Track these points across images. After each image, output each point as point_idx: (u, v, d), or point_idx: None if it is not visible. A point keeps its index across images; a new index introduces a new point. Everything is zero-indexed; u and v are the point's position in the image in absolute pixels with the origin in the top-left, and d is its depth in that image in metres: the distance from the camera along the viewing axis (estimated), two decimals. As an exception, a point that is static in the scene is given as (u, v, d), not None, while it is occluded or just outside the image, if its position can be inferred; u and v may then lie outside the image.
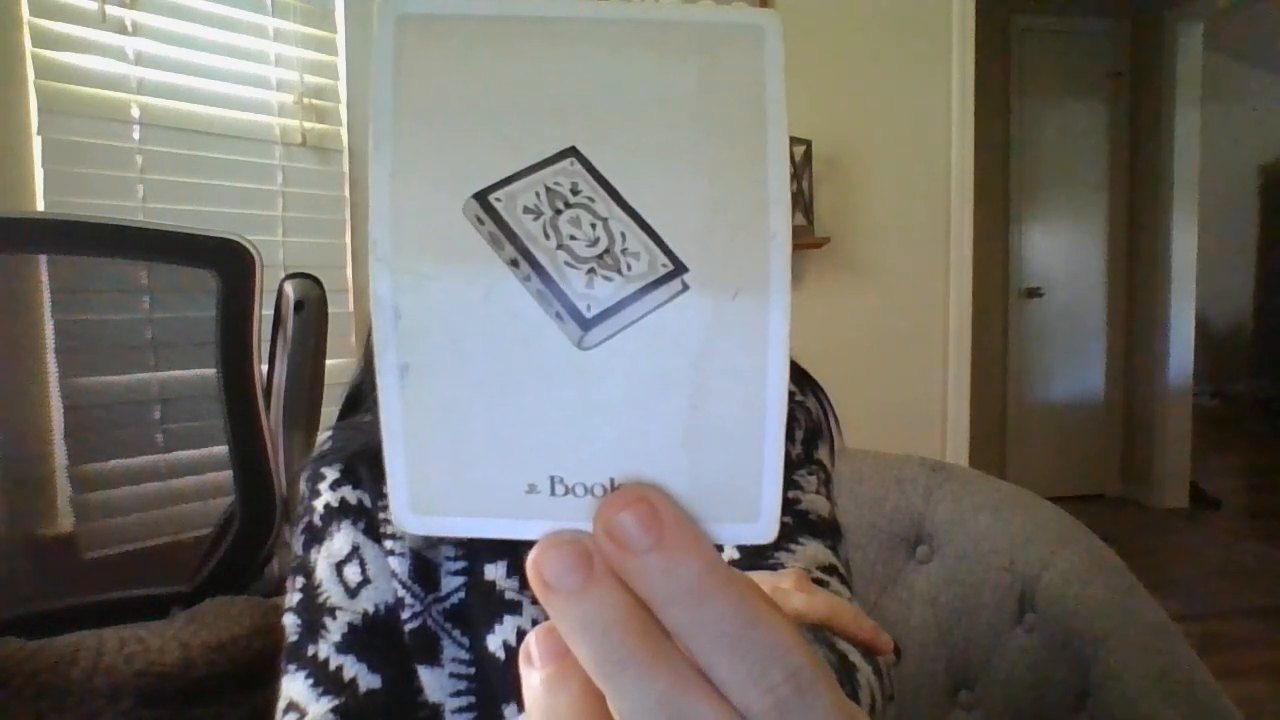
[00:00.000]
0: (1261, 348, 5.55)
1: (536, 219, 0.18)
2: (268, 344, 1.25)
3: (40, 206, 1.32)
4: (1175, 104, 3.68)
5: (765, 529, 0.18)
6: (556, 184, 0.18)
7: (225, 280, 1.11)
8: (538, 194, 0.18)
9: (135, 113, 1.46)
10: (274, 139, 1.67)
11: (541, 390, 0.18)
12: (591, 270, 0.17)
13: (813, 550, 0.53)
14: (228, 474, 1.15)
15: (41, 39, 1.33)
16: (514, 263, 0.17)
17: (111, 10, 1.42)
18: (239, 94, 1.62)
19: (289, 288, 1.25)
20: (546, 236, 0.18)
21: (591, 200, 0.18)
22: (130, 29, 1.46)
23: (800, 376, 0.66)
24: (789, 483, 0.58)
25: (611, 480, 0.18)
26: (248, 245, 1.13)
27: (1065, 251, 4.00)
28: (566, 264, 0.17)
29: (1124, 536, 3.33)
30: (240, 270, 1.12)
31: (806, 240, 2.27)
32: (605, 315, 0.17)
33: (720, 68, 0.18)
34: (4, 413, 1.15)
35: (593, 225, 0.18)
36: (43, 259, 1.10)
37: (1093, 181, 3.98)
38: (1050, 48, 3.90)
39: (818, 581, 0.50)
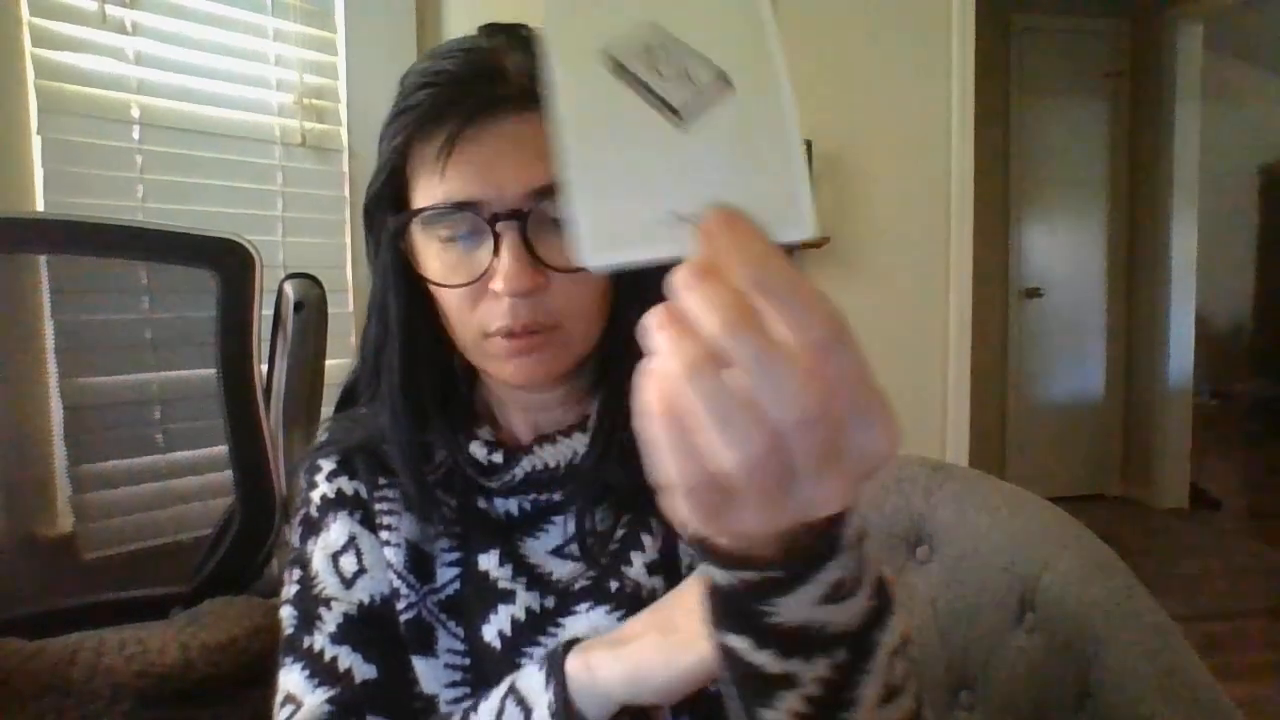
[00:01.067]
0: (1261, 348, 5.55)
1: (642, 59, 0.29)
2: (268, 344, 1.25)
3: (40, 206, 1.32)
4: (1175, 104, 3.68)
5: (808, 229, 0.28)
6: (649, 40, 0.30)
7: (225, 280, 1.11)
8: (639, 46, 0.29)
9: (135, 113, 1.46)
10: (274, 139, 1.67)
11: (660, 157, 0.29)
12: (678, 83, 0.29)
13: None
14: (228, 474, 1.15)
15: (41, 39, 1.33)
16: (636, 87, 0.29)
17: (111, 10, 1.42)
18: (239, 94, 1.62)
19: (289, 288, 1.25)
20: (655, 72, 0.29)
21: (671, 50, 0.29)
22: (130, 29, 1.46)
23: None
24: None
25: (708, 207, 0.28)
26: (247, 245, 1.13)
27: (1065, 251, 4.00)
28: (665, 82, 0.29)
29: (1124, 536, 3.33)
30: (240, 270, 1.12)
31: (806, 240, 2.27)
32: (689, 107, 0.29)
33: None
34: (4, 413, 1.14)
35: (676, 61, 0.29)
36: (43, 259, 1.10)
37: (1093, 181, 3.98)
38: (1050, 48, 3.90)
39: None
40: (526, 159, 0.51)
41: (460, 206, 0.52)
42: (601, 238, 0.29)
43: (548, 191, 0.51)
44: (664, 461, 0.27)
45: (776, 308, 0.25)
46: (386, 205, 0.56)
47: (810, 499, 0.28)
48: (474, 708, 0.49)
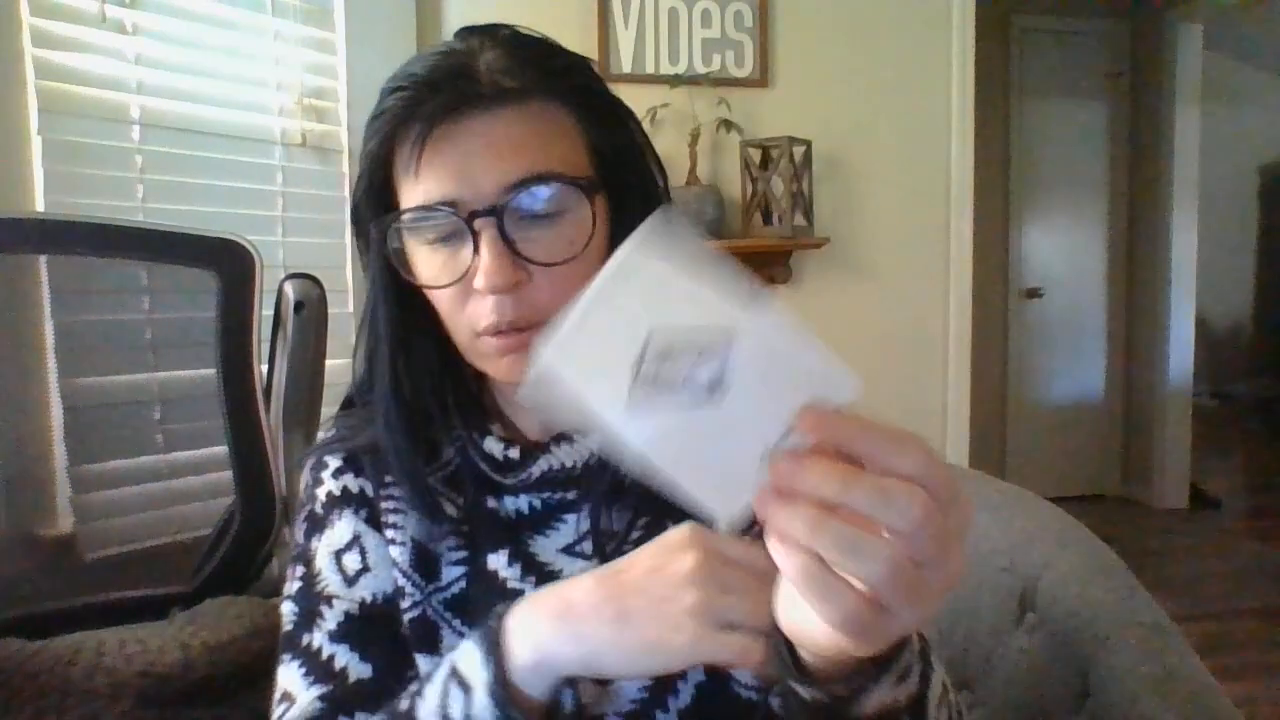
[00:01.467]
0: (1261, 348, 5.55)
1: (663, 364, 0.33)
2: (268, 344, 1.25)
3: (40, 206, 1.32)
4: (1175, 104, 3.68)
5: (853, 385, 0.33)
6: (658, 347, 0.33)
7: (225, 280, 1.11)
8: (655, 356, 0.33)
9: (135, 113, 1.46)
10: (274, 139, 1.67)
11: (720, 425, 0.33)
12: (698, 366, 0.33)
13: None
14: (228, 474, 1.15)
15: (41, 39, 1.33)
16: (667, 386, 0.33)
17: (111, 11, 1.41)
18: (239, 94, 1.62)
19: (289, 288, 1.25)
20: (672, 369, 0.33)
21: (677, 340, 0.33)
22: (130, 29, 1.46)
23: None
24: None
25: (780, 432, 0.33)
26: (248, 245, 1.13)
27: (1065, 251, 4.00)
28: (687, 372, 0.33)
29: (1124, 536, 3.33)
30: (240, 270, 1.12)
31: (806, 240, 2.27)
32: (717, 376, 0.33)
33: (655, 260, 0.35)
34: (4, 412, 1.14)
35: (685, 350, 0.33)
36: (43, 259, 1.10)
37: (1093, 181, 3.98)
38: (1050, 48, 3.90)
39: None
40: (499, 155, 0.51)
41: (435, 207, 0.52)
42: (722, 500, 0.33)
43: (523, 184, 0.51)
44: (818, 606, 0.32)
45: (883, 448, 0.32)
46: (372, 213, 0.56)
47: (936, 584, 0.32)
48: (420, 691, 0.49)
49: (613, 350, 0.33)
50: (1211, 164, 4.08)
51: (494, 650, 0.45)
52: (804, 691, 0.39)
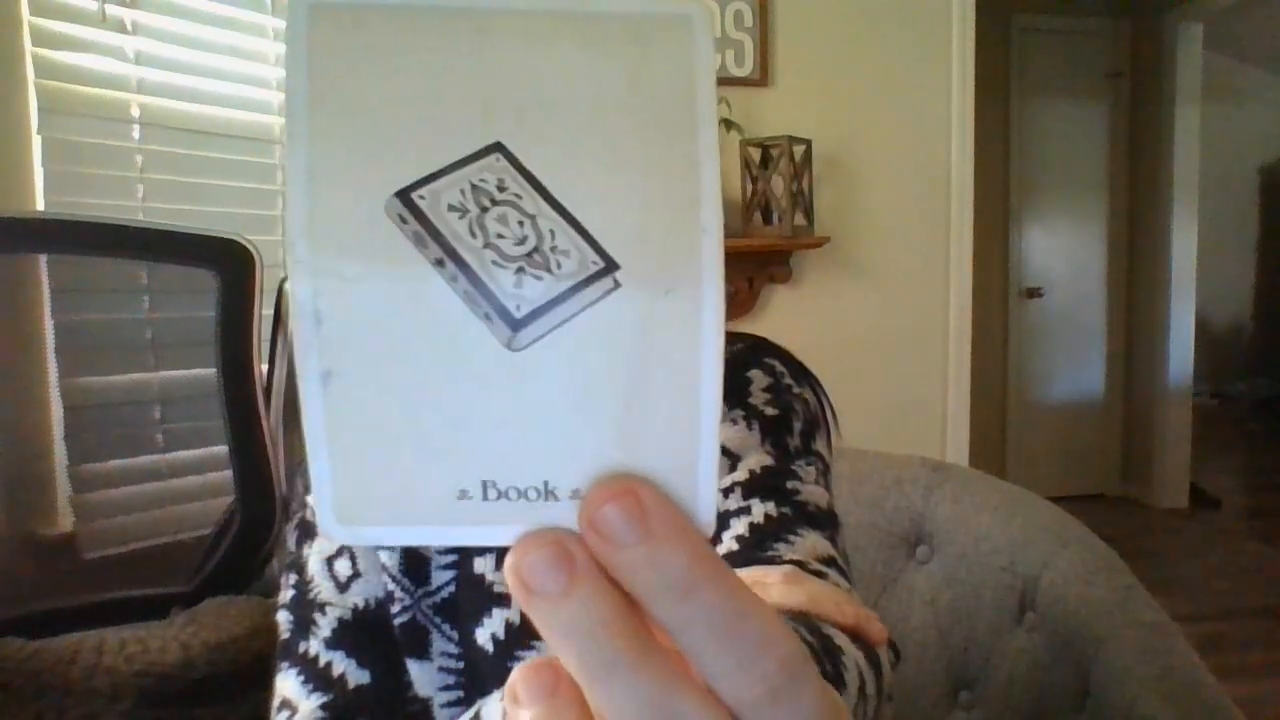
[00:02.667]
0: (1261, 348, 5.55)
1: (462, 217, 0.17)
2: (268, 343, 1.25)
3: (40, 206, 1.32)
4: (1175, 104, 3.68)
5: (703, 526, 0.18)
6: (482, 180, 0.17)
7: (225, 280, 1.11)
8: (463, 191, 0.17)
9: (135, 112, 1.46)
10: (274, 139, 1.67)
11: (471, 394, 0.17)
12: (520, 269, 0.17)
13: (811, 541, 0.53)
14: (228, 474, 1.15)
15: (41, 38, 1.33)
16: (439, 262, 0.17)
17: (111, 10, 1.41)
18: (239, 93, 1.62)
19: (289, 287, 1.25)
20: (473, 235, 0.17)
21: (519, 197, 0.17)
22: (130, 28, 1.46)
23: (797, 369, 0.66)
24: (788, 473, 0.57)
25: (545, 483, 0.18)
26: (248, 245, 1.13)
27: (1065, 251, 4.00)
28: (494, 263, 0.17)
29: (1124, 536, 3.33)
30: (240, 270, 1.12)
31: (806, 240, 2.27)
32: (535, 315, 0.17)
33: (649, 61, 0.18)
34: (4, 412, 1.14)
35: (520, 223, 0.17)
36: (43, 259, 1.10)
37: (1093, 181, 3.98)
38: (1050, 48, 3.90)
39: (816, 573, 0.49)
40: None
41: None
42: (357, 503, 0.18)
43: None
44: None
45: (711, 645, 0.17)
46: None
47: None
48: None
49: (416, 107, 0.17)
50: (1211, 164, 4.08)
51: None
52: None
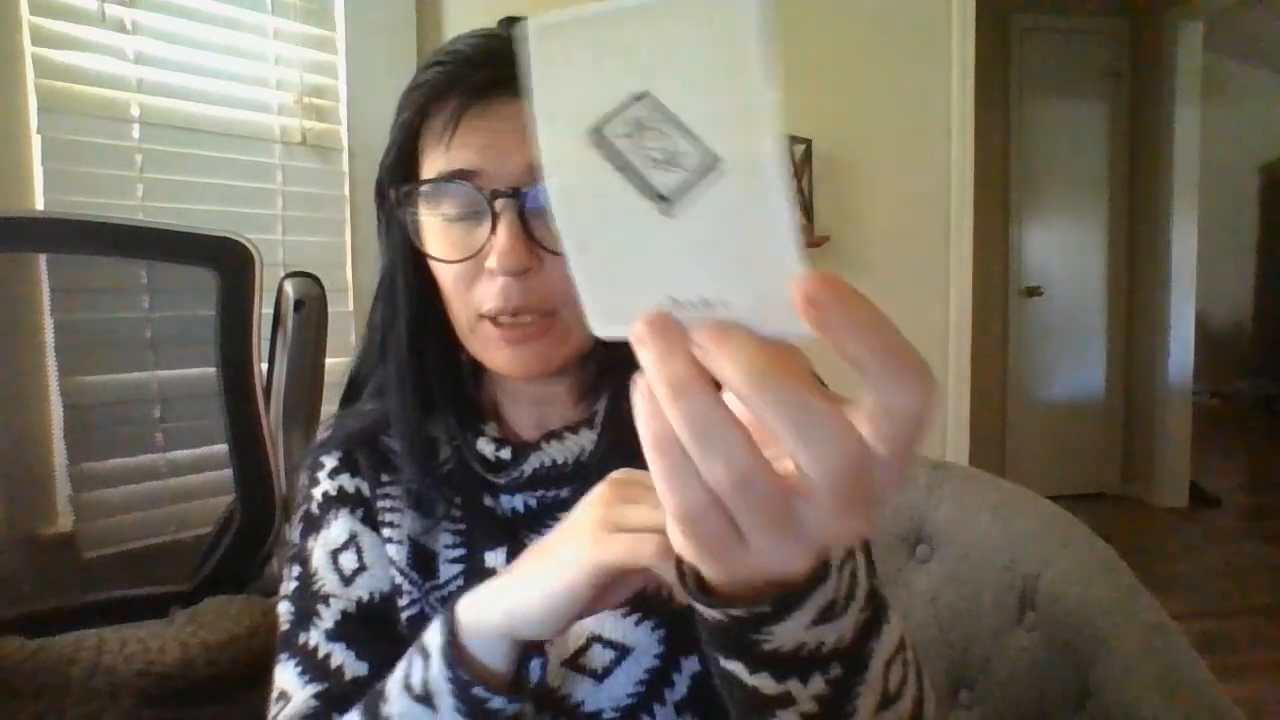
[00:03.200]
0: (1261, 348, 5.56)
1: (631, 139, 0.27)
2: (268, 343, 1.25)
3: (40, 206, 1.32)
4: (1175, 104, 3.68)
5: (807, 328, 0.26)
6: (639, 117, 0.27)
7: (225, 279, 1.11)
8: (629, 123, 0.27)
9: (135, 111, 1.46)
10: (274, 138, 1.67)
11: (649, 243, 0.28)
12: (665, 167, 0.27)
13: None
14: (228, 473, 1.15)
15: (41, 38, 1.33)
16: (621, 168, 0.27)
17: (111, 9, 1.41)
18: (239, 93, 1.62)
19: (289, 286, 1.25)
20: (637, 149, 0.27)
21: (660, 125, 0.26)
22: (130, 28, 1.46)
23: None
24: None
25: (707, 299, 0.28)
26: (247, 244, 1.13)
27: (1065, 251, 4.00)
28: (652, 164, 0.27)
29: (1124, 536, 3.33)
30: (240, 269, 1.12)
31: (806, 240, 2.27)
32: (677, 193, 0.27)
33: (725, 23, 0.25)
34: (4, 412, 1.14)
35: (662, 139, 0.26)
36: (43, 259, 1.10)
37: (1093, 181, 3.98)
38: (1050, 47, 3.90)
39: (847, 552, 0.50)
40: (529, 137, 0.51)
41: (460, 175, 0.53)
42: (607, 312, 0.29)
43: None
44: (660, 485, 0.28)
45: (878, 366, 0.26)
46: (397, 181, 0.57)
47: (817, 531, 0.28)
48: (393, 669, 0.49)
49: (597, 76, 0.27)
50: (1211, 164, 4.08)
51: (449, 618, 0.45)
52: (702, 609, 0.33)
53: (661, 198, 0.27)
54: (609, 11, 0.27)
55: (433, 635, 0.45)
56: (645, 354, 0.27)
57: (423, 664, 0.45)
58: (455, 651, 0.43)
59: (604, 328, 0.30)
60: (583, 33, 0.27)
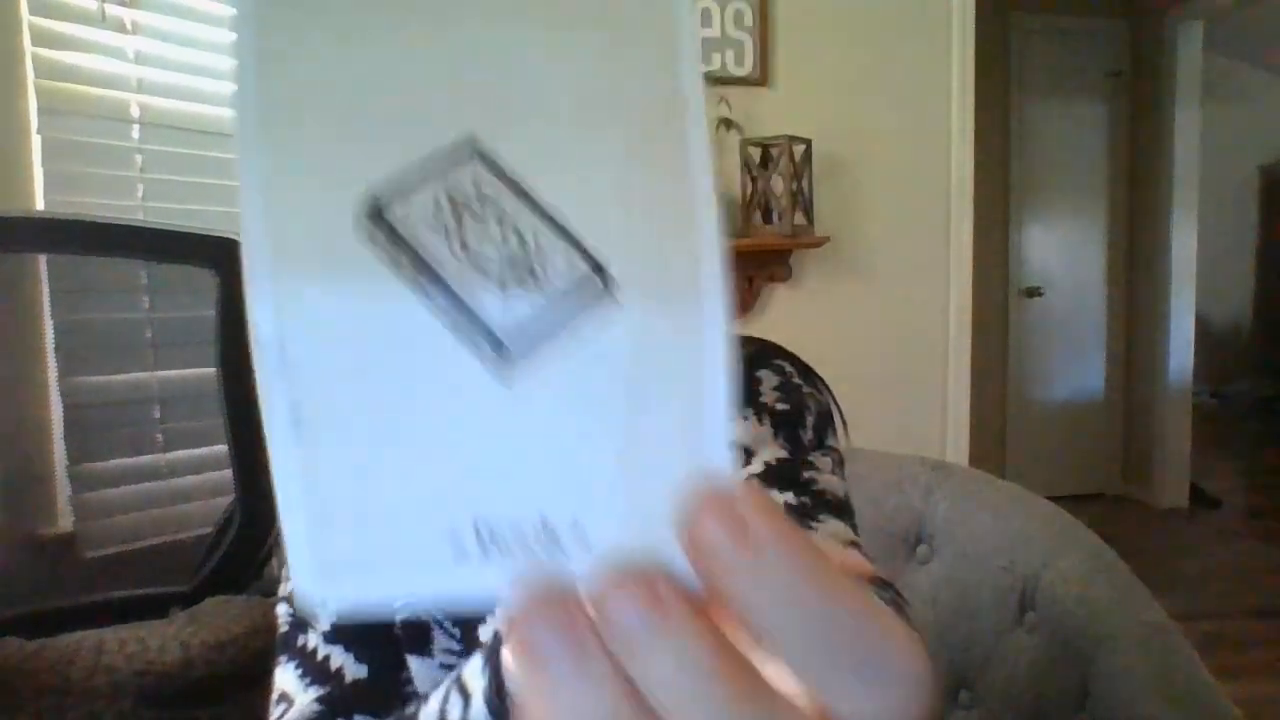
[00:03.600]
0: (1261, 348, 5.55)
1: (439, 231, 0.15)
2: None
3: (40, 206, 1.32)
4: (1175, 104, 3.68)
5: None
6: (459, 186, 0.15)
7: (225, 279, 1.11)
8: (438, 201, 0.15)
9: (135, 112, 1.46)
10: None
11: (457, 424, 0.15)
12: (505, 285, 0.15)
13: (834, 527, 0.54)
14: (228, 473, 1.15)
15: (41, 38, 1.33)
16: (416, 284, 0.15)
17: (111, 9, 1.41)
18: (239, 93, 1.62)
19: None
20: (452, 251, 0.15)
21: (499, 203, 0.15)
22: (130, 28, 1.46)
23: (805, 370, 0.66)
24: (804, 464, 0.58)
25: (543, 516, 0.15)
26: (248, 245, 1.13)
27: (1065, 251, 4.00)
28: (477, 280, 0.15)
29: (1124, 536, 3.33)
30: (240, 269, 1.12)
31: (806, 240, 2.27)
32: (524, 335, 0.15)
33: (628, 43, 0.16)
34: (4, 412, 1.14)
35: (503, 233, 0.15)
36: (43, 259, 1.10)
37: (1093, 181, 3.98)
38: (1050, 48, 3.90)
39: None
40: None
41: None
42: (338, 558, 0.16)
43: None
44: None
45: (837, 664, 0.15)
46: None
47: None
48: (425, 697, 0.49)
49: (379, 98, 0.16)
50: (1211, 164, 4.08)
51: (492, 659, 0.45)
52: None
53: (492, 337, 0.15)
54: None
55: (474, 675, 0.44)
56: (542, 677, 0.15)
57: (462, 705, 0.44)
58: (500, 700, 0.43)
59: (329, 586, 0.16)
60: (354, 11, 0.16)
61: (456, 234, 0.16)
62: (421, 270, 0.15)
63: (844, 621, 0.15)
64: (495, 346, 0.15)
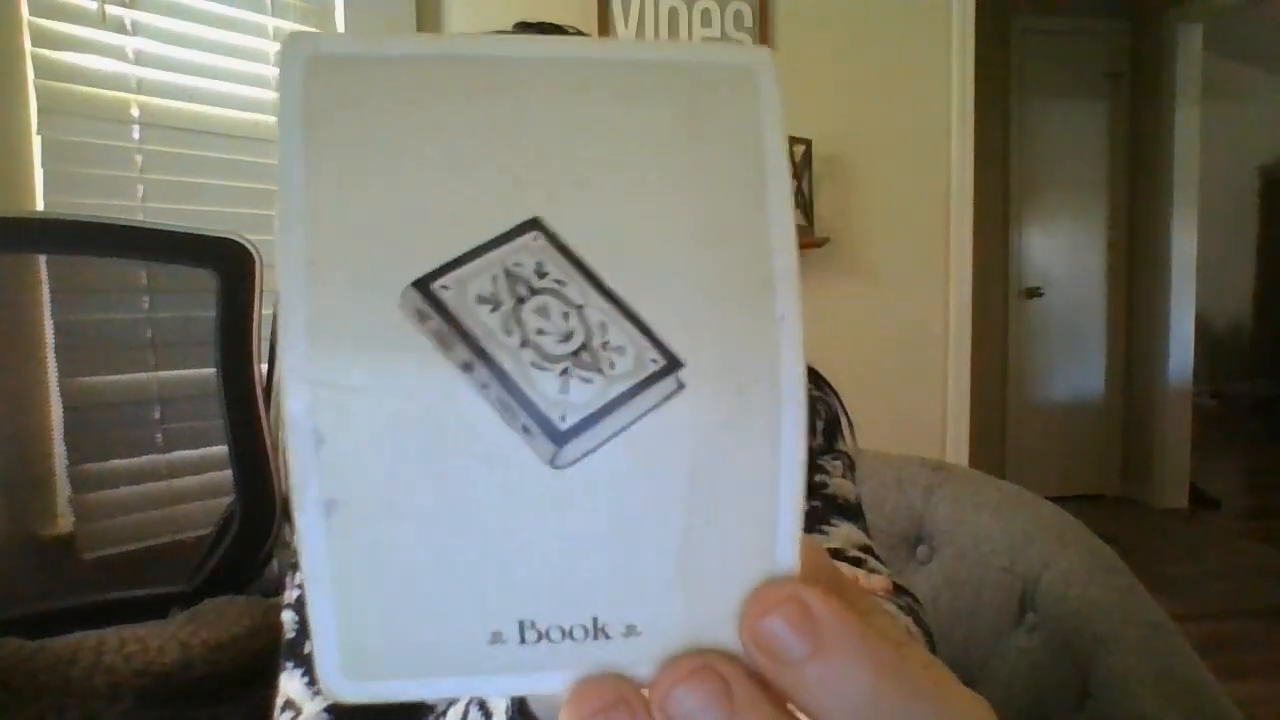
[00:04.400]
0: (1261, 348, 5.55)
1: (494, 310, 0.14)
2: (268, 344, 1.25)
3: (40, 206, 1.32)
4: (1175, 104, 3.68)
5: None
6: (517, 265, 0.14)
7: (225, 280, 1.11)
8: (494, 278, 0.14)
9: (135, 112, 1.46)
10: (274, 139, 1.66)
11: (506, 521, 0.14)
12: (565, 371, 0.14)
13: (846, 531, 0.54)
14: (228, 474, 1.15)
15: (41, 38, 1.33)
16: (467, 366, 0.14)
17: (111, 10, 1.41)
18: (239, 93, 1.62)
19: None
20: (508, 332, 0.14)
21: (561, 284, 0.14)
22: (130, 28, 1.46)
23: (811, 374, 0.67)
24: (815, 468, 0.58)
25: (594, 620, 0.15)
26: (248, 245, 1.13)
27: (1065, 251, 4.00)
28: (534, 365, 0.14)
29: (1124, 536, 3.33)
30: (240, 270, 1.12)
31: (806, 240, 2.27)
32: (584, 426, 0.14)
33: (705, 117, 0.15)
34: (4, 412, 1.14)
35: (565, 315, 0.14)
36: (43, 259, 1.10)
37: (1093, 181, 3.98)
38: (1050, 48, 3.90)
39: (855, 560, 0.50)
40: None
41: None
42: (368, 654, 0.15)
43: None
44: None
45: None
46: None
47: None
48: (441, 712, 0.48)
49: (437, 176, 0.15)
50: (1211, 164, 4.08)
51: None
52: None
53: (551, 429, 0.14)
54: (477, 51, 0.15)
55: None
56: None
57: None
58: (524, 716, 0.42)
59: (353, 682, 0.15)
60: (408, 84, 0.15)
61: (514, 314, 0.14)
62: (473, 350, 0.14)
63: (917, 718, 0.14)
64: (551, 435, 0.14)
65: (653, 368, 0.14)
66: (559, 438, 0.14)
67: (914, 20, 2.41)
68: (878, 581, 0.47)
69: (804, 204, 2.26)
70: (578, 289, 0.14)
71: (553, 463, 0.14)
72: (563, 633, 0.15)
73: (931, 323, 2.48)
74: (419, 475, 0.14)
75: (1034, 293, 3.96)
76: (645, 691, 0.15)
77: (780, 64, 0.16)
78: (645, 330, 0.15)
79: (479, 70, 0.15)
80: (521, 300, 0.14)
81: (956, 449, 2.49)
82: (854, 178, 2.41)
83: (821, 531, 0.53)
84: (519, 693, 0.16)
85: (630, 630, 0.15)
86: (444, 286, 0.14)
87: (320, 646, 0.15)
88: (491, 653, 0.15)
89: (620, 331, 0.14)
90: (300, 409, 0.14)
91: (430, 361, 0.14)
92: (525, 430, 0.14)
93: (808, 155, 2.25)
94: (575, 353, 0.14)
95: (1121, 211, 3.99)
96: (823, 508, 0.55)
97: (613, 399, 0.14)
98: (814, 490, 0.56)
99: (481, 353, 0.14)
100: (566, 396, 0.14)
